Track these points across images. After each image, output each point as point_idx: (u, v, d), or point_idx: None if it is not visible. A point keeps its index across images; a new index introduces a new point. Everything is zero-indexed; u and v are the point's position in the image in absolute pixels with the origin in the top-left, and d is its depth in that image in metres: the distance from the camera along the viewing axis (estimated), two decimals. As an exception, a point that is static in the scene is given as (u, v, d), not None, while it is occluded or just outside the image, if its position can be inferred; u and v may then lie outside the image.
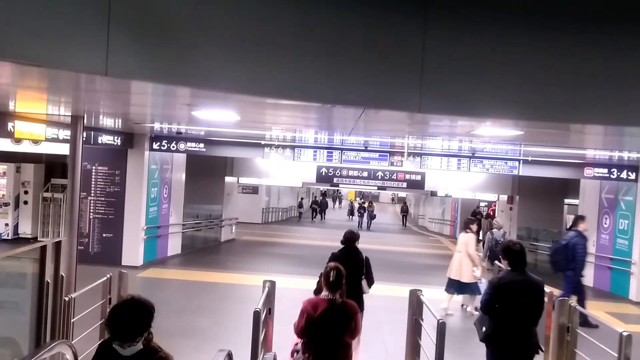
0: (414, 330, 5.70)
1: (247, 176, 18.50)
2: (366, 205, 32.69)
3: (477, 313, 7.31)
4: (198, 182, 14.87)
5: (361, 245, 6.28)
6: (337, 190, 51.97)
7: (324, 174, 15.50)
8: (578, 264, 8.38)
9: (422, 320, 5.60)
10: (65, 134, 8.40)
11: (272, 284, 5.67)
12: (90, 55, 2.99)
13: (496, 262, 8.42)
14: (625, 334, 4.41)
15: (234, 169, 17.32)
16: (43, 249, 4.46)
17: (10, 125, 7.33)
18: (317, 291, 4.94)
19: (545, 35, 3.68)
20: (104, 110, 7.01)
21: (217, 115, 6.16)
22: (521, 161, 11.77)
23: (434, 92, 3.67)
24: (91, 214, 11.54)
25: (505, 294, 4.60)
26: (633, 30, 3.66)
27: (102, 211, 11.56)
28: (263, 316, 4.96)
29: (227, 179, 17.23)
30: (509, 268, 4.75)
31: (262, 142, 11.81)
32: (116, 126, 9.85)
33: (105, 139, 10.13)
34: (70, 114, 6.90)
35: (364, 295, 6.01)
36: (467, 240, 8.82)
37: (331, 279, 4.11)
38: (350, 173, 15.29)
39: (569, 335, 5.43)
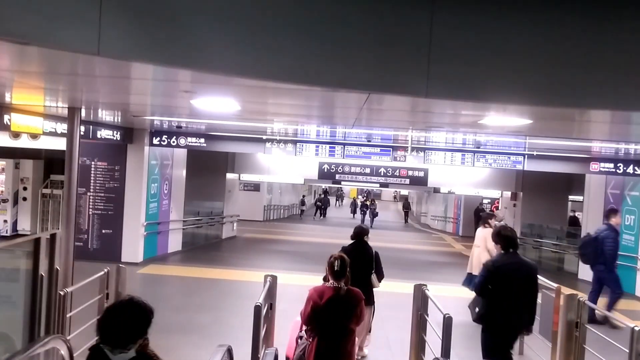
0: (419, 325, 5.65)
1: (248, 173, 18.41)
2: (368, 202, 32.64)
3: None
4: (199, 179, 14.77)
5: (364, 242, 6.18)
6: (340, 188, 51.88)
7: (325, 170, 15.39)
8: (608, 258, 8.25)
9: (427, 315, 5.53)
10: (63, 127, 8.25)
11: (274, 278, 5.63)
12: (82, 34, 2.85)
13: None
14: (637, 329, 4.34)
15: (235, 166, 17.22)
16: (37, 241, 4.36)
17: (6, 117, 7.19)
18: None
19: (554, 18, 3.56)
20: (102, 101, 6.87)
21: (217, 105, 6.03)
22: (526, 156, 11.65)
23: (441, 76, 3.54)
24: (90, 209, 11.40)
25: (499, 276, 4.89)
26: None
27: (102, 207, 11.43)
28: (264, 311, 4.88)
29: (229, 175, 17.13)
30: (502, 252, 5.06)
31: (264, 137, 11.68)
32: (115, 120, 9.70)
33: (104, 133, 9.97)
34: (67, 105, 6.78)
35: (374, 290, 6.02)
36: (485, 234, 8.71)
37: (336, 268, 4.24)
38: (353, 169, 15.17)
39: (578, 331, 5.35)
